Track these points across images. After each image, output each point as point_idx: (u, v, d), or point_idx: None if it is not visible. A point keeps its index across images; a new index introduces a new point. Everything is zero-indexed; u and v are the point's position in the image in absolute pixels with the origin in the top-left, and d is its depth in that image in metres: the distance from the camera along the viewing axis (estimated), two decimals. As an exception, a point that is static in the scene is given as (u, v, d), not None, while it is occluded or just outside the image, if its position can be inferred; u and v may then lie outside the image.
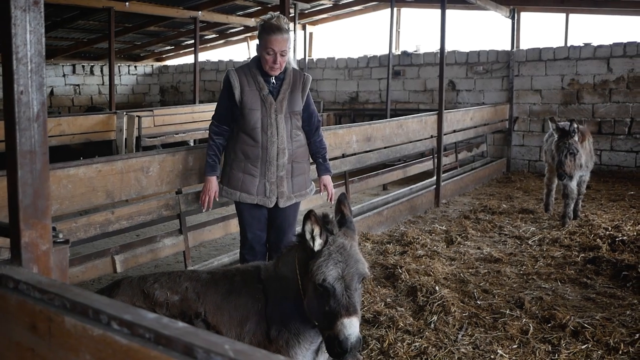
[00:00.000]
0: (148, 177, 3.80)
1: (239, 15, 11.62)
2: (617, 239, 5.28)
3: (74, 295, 1.13)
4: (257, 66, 3.60)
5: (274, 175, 3.63)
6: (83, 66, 14.13)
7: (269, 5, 11.12)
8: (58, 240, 1.48)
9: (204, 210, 3.83)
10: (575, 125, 5.70)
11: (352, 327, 2.32)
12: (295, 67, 3.79)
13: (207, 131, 3.81)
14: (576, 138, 5.74)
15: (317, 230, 2.43)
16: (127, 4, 9.09)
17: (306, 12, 11.96)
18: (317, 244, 2.44)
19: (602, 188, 8.51)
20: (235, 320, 2.84)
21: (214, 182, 3.70)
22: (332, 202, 3.84)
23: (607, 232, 5.62)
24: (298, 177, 3.75)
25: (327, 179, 3.95)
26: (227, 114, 3.65)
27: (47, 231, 1.36)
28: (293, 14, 10.20)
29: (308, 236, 2.44)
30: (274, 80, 3.62)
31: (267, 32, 3.47)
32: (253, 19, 11.63)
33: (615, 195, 7.91)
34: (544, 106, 10.28)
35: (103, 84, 14.43)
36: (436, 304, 3.91)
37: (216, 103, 3.77)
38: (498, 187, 8.93)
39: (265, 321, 2.80)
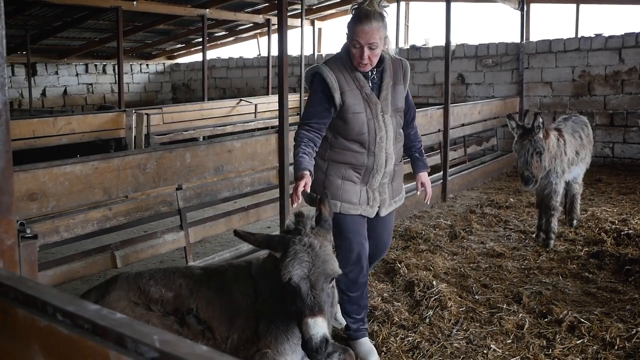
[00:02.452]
0: (145, 173, 3.84)
1: (247, 12, 11.66)
2: (622, 233, 5.21)
3: (26, 288, 1.16)
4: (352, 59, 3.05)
5: (377, 182, 3.15)
6: (96, 65, 14.31)
7: (276, 1, 11.13)
8: (26, 236, 1.52)
9: (293, 206, 3.05)
10: (541, 120, 4.93)
11: (316, 327, 2.34)
12: (394, 54, 3.15)
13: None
14: (541, 135, 4.95)
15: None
16: (134, 3, 9.17)
17: (314, 7, 11.97)
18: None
19: (613, 181, 8.40)
20: (225, 315, 2.88)
21: (304, 175, 2.96)
22: (428, 203, 3.44)
23: (614, 226, 5.55)
24: (396, 180, 3.29)
25: (424, 175, 3.41)
26: (323, 118, 3.08)
27: (11, 226, 1.40)
28: (300, 10, 10.18)
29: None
30: (374, 75, 3.09)
31: (354, 21, 2.93)
32: (261, 16, 11.66)
33: (626, 189, 7.80)
34: (554, 98, 10.17)
35: (115, 83, 14.57)
36: (433, 298, 3.90)
37: (306, 104, 3.20)
38: (507, 181, 8.85)
39: (254, 317, 2.83)
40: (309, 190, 3.06)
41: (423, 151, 3.39)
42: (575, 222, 5.85)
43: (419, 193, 3.47)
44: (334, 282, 2.55)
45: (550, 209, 5.30)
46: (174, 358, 0.85)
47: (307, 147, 3.05)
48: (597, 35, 9.69)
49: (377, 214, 3.22)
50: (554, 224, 5.30)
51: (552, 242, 5.26)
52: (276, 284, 2.75)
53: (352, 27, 2.93)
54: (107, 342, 0.96)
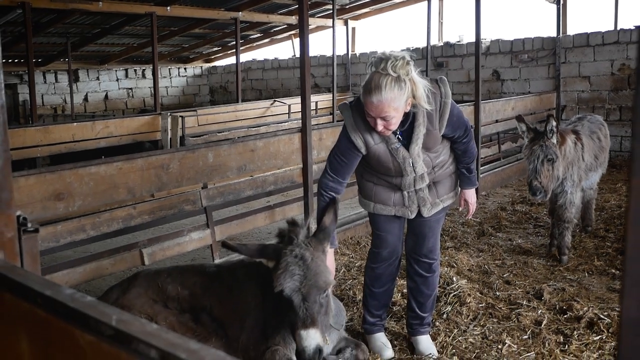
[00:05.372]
0: (168, 173, 3.98)
1: (280, 14, 11.79)
2: (655, 229, 5.05)
3: (15, 275, 1.26)
4: None
5: (412, 188, 3.04)
6: (135, 70, 14.74)
7: (309, 2, 11.23)
8: (28, 229, 1.63)
9: None
10: (554, 123, 4.35)
11: (308, 339, 2.37)
12: (427, 106, 2.80)
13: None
14: (554, 140, 4.38)
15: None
16: (168, 8, 9.43)
17: (347, 7, 12.00)
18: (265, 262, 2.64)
19: (654, 177, 8.13)
20: (237, 315, 2.92)
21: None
22: (470, 218, 3.25)
23: (648, 222, 5.39)
24: (441, 183, 3.13)
25: (468, 193, 3.23)
26: (347, 165, 2.99)
27: (11, 220, 1.51)
28: (332, 10, 10.26)
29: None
30: (399, 134, 2.91)
31: (364, 90, 2.73)
32: (294, 17, 11.77)
33: (667, 184, 7.54)
34: (593, 93, 9.90)
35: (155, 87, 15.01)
36: (452, 294, 3.89)
37: (335, 145, 3.06)
38: (542, 178, 8.68)
39: (263, 318, 2.86)
40: None
41: (472, 167, 3.17)
42: (589, 228, 5.46)
43: (460, 209, 3.41)
44: (328, 292, 2.54)
45: (564, 222, 4.70)
46: (126, 334, 0.93)
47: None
48: (637, 27, 9.38)
49: (420, 214, 3.09)
50: (568, 238, 4.73)
51: (565, 257, 4.71)
52: None
53: (363, 95, 2.73)
54: (74, 323, 1.04)
